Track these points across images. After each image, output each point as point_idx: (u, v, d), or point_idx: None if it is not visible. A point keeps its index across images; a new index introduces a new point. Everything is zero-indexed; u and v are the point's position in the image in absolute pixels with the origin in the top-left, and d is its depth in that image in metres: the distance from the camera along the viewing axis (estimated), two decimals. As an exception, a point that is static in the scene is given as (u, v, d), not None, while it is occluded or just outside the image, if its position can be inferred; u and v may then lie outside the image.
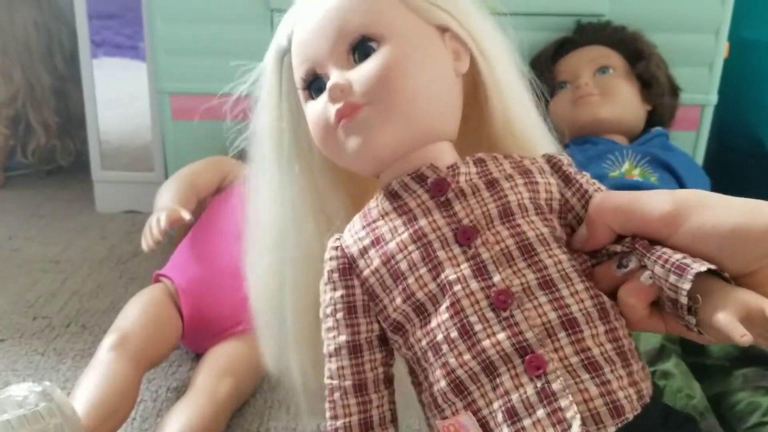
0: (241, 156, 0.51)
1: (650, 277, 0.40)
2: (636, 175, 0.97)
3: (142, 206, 1.34)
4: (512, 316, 0.39)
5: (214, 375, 0.71)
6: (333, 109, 0.43)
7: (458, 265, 0.41)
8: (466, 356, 0.40)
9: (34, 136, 1.60)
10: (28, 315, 0.96)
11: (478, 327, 0.40)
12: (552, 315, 0.40)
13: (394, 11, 0.43)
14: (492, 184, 0.44)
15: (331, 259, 0.46)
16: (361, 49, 0.43)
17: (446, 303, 0.41)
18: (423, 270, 0.42)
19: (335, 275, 0.45)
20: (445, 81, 0.45)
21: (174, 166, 1.15)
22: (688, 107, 1.15)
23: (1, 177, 1.61)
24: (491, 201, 0.43)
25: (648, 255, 0.40)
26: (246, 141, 0.52)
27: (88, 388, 0.64)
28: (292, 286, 0.51)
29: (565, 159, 0.47)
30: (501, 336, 0.39)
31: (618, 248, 0.42)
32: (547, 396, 0.38)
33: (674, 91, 1.10)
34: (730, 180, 0.87)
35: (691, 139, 1.22)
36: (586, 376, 0.39)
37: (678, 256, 0.38)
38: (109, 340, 0.70)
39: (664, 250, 0.39)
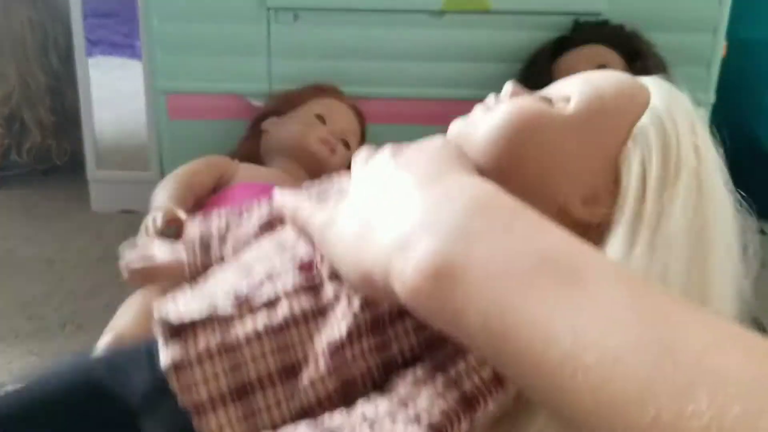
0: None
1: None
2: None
3: (138, 206, 1.33)
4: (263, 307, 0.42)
5: (211, 375, 0.71)
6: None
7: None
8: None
9: (29, 135, 1.59)
10: (23, 315, 0.95)
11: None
12: (278, 316, 0.41)
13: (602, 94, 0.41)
14: None
15: None
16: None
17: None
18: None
19: None
20: (549, 194, 0.40)
21: (170, 165, 1.14)
22: (685, 106, 1.15)
23: (-4, 176, 1.60)
24: None
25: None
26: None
27: (83, 389, 0.63)
28: None
29: None
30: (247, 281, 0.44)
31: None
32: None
33: (672, 90, 1.10)
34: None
35: (689, 139, 1.22)
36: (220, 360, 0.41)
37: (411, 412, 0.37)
38: (105, 341, 0.70)
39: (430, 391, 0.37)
